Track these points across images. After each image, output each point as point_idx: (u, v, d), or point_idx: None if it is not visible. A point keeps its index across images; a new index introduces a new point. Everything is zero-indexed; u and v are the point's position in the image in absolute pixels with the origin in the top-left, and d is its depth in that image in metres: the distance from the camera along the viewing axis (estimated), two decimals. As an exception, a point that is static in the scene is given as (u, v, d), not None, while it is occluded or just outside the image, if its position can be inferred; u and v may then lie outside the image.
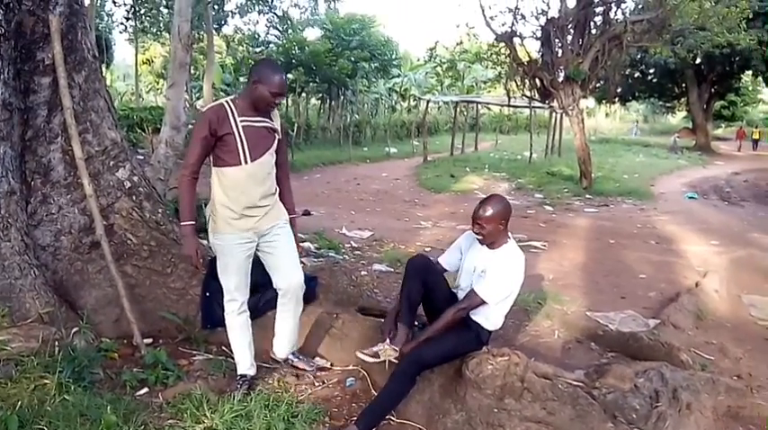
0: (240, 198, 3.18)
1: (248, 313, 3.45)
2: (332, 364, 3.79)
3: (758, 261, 6.88)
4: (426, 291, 3.36)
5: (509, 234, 3.29)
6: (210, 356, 3.80)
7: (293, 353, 3.68)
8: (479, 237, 3.23)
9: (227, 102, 3.16)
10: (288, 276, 3.44)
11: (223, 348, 3.83)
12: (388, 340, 3.32)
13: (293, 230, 3.51)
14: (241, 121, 3.12)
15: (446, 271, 3.55)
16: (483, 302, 3.18)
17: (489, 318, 3.29)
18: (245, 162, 3.15)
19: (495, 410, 3.06)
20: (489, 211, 3.16)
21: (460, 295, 3.32)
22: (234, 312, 3.38)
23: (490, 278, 3.17)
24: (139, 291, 4.00)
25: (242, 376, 3.42)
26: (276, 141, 3.31)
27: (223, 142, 3.12)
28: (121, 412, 2.86)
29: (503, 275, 3.18)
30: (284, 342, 3.63)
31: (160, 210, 4.30)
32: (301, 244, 6.42)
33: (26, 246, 3.60)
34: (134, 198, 4.14)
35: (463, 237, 3.49)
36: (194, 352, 3.86)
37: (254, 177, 3.20)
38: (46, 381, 3.00)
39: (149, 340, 3.89)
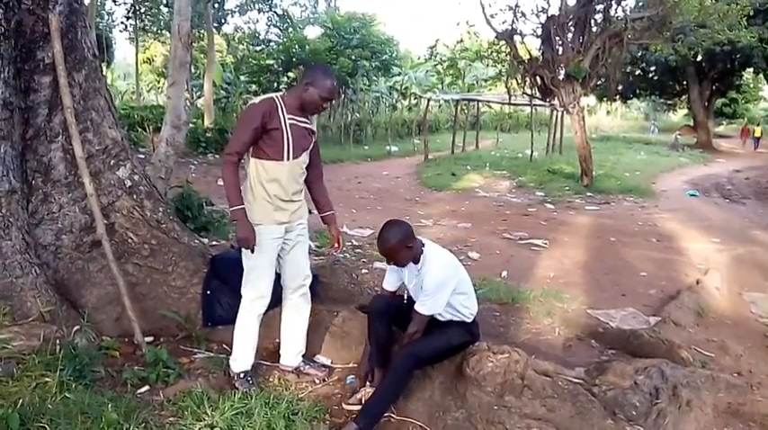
0: (278, 191, 3.28)
1: None
2: (333, 362, 3.81)
3: (759, 258, 6.88)
4: (397, 321, 3.39)
5: (422, 242, 3.26)
6: (211, 354, 3.81)
7: (304, 361, 3.69)
8: (393, 263, 3.25)
9: (277, 97, 3.25)
10: (303, 273, 3.57)
11: (224, 346, 3.84)
12: (368, 383, 3.41)
13: (335, 225, 3.67)
14: (289, 118, 3.22)
15: (394, 291, 3.53)
16: (430, 316, 3.18)
17: (460, 312, 3.30)
18: (287, 159, 3.24)
19: (496, 407, 3.07)
20: (390, 242, 3.14)
21: None
22: (262, 309, 3.41)
23: (424, 294, 3.16)
24: (140, 290, 4.00)
25: (245, 372, 3.43)
26: (313, 143, 3.43)
27: (269, 136, 3.20)
28: (122, 410, 2.86)
29: (434, 286, 3.13)
30: (295, 349, 3.66)
31: (161, 209, 4.30)
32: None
33: (27, 244, 3.60)
34: (135, 197, 4.14)
35: None
36: (195, 350, 3.87)
37: (292, 173, 3.31)
38: (47, 379, 3.00)
39: (150, 338, 3.89)
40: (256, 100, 3.30)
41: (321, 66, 3.35)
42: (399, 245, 3.13)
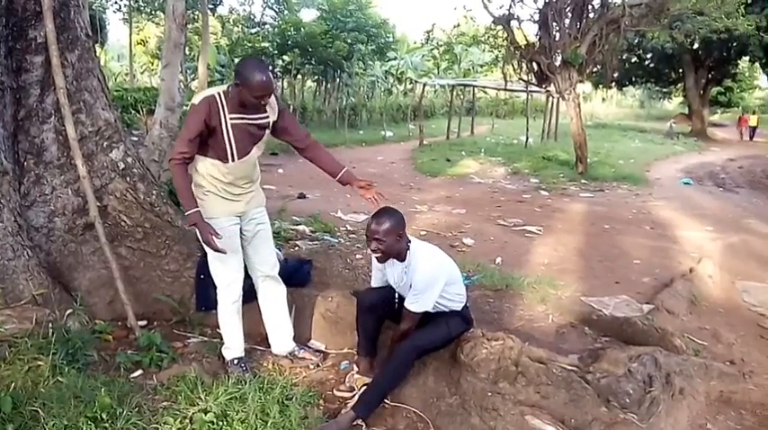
0: (228, 188, 3.23)
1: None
2: (327, 347, 3.81)
3: (752, 247, 6.92)
4: (390, 315, 3.36)
5: (408, 239, 3.21)
6: (205, 339, 3.80)
7: (297, 346, 3.68)
8: (378, 255, 3.13)
9: (218, 95, 3.09)
10: (269, 262, 3.53)
11: (217, 331, 3.82)
12: (354, 370, 3.44)
13: (356, 179, 3.42)
14: (230, 118, 3.09)
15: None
16: (423, 312, 3.15)
17: (452, 300, 3.29)
18: (232, 160, 3.16)
19: (490, 394, 3.07)
20: (386, 225, 3.06)
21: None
22: (237, 294, 3.38)
23: (414, 291, 3.12)
24: (134, 273, 3.98)
25: (239, 359, 3.42)
26: (266, 135, 3.29)
27: (212, 136, 3.11)
28: (116, 394, 2.85)
29: (424, 284, 3.09)
30: (283, 333, 3.65)
31: (154, 192, 4.27)
32: (296, 227, 6.44)
33: (19, 226, 3.57)
34: (128, 179, 4.11)
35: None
36: (189, 334, 3.86)
37: (240, 171, 3.24)
38: (40, 363, 2.99)
39: (144, 322, 3.89)
40: (197, 99, 3.13)
41: (250, 62, 3.10)
42: (391, 230, 3.07)
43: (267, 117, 3.24)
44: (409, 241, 3.20)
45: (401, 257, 3.19)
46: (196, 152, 3.17)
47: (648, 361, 3.23)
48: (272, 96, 3.19)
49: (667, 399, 3.05)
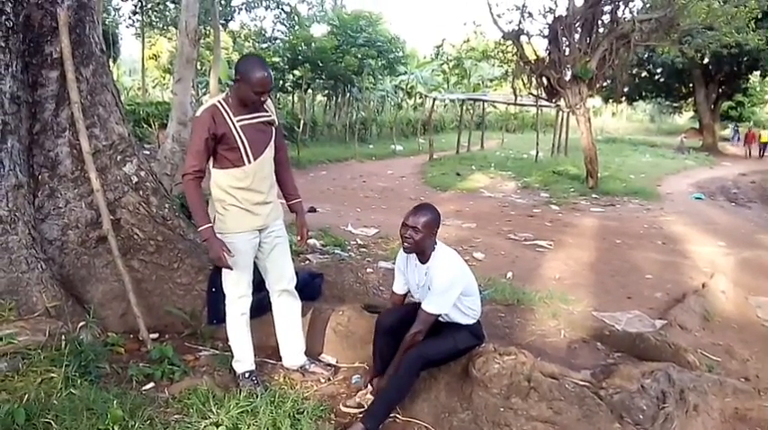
0: (248, 196, 3.21)
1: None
2: (338, 361, 3.80)
3: (765, 262, 6.86)
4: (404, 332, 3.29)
5: (435, 241, 3.22)
6: (216, 352, 3.80)
7: (309, 359, 3.67)
8: (407, 245, 3.12)
9: (219, 102, 3.14)
10: (286, 277, 3.53)
11: (229, 344, 3.83)
12: (370, 387, 3.38)
13: (302, 215, 3.60)
14: (238, 121, 3.11)
15: (404, 294, 3.49)
16: (437, 316, 3.14)
17: (466, 314, 3.27)
18: (249, 162, 3.16)
19: (502, 409, 3.05)
20: (426, 217, 3.09)
21: None
22: (245, 307, 3.38)
23: (433, 292, 3.12)
24: (146, 286, 4.00)
25: (249, 372, 3.42)
26: (274, 133, 3.31)
27: (224, 144, 3.12)
28: (127, 406, 2.86)
29: (444, 285, 3.09)
30: (295, 348, 3.64)
31: (167, 206, 4.30)
32: (307, 240, 6.45)
33: (33, 239, 3.60)
34: (141, 193, 4.14)
35: (399, 257, 3.41)
36: (200, 347, 3.87)
37: (260, 174, 3.23)
38: (53, 375, 3.00)
39: (155, 335, 3.90)
40: (199, 111, 3.18)
41: (250, 58, 3.19)
42: (429, 223, 3.09)
43: (270, 115, 3.28)
44: (435, 244, 3.21)
45: (425, 257, 3.20)
46: (212, 165, 3.20)
47: (662, 377, 3.20)
48: (269, 99, 3.24)
49: (681, 416, 3.01)
